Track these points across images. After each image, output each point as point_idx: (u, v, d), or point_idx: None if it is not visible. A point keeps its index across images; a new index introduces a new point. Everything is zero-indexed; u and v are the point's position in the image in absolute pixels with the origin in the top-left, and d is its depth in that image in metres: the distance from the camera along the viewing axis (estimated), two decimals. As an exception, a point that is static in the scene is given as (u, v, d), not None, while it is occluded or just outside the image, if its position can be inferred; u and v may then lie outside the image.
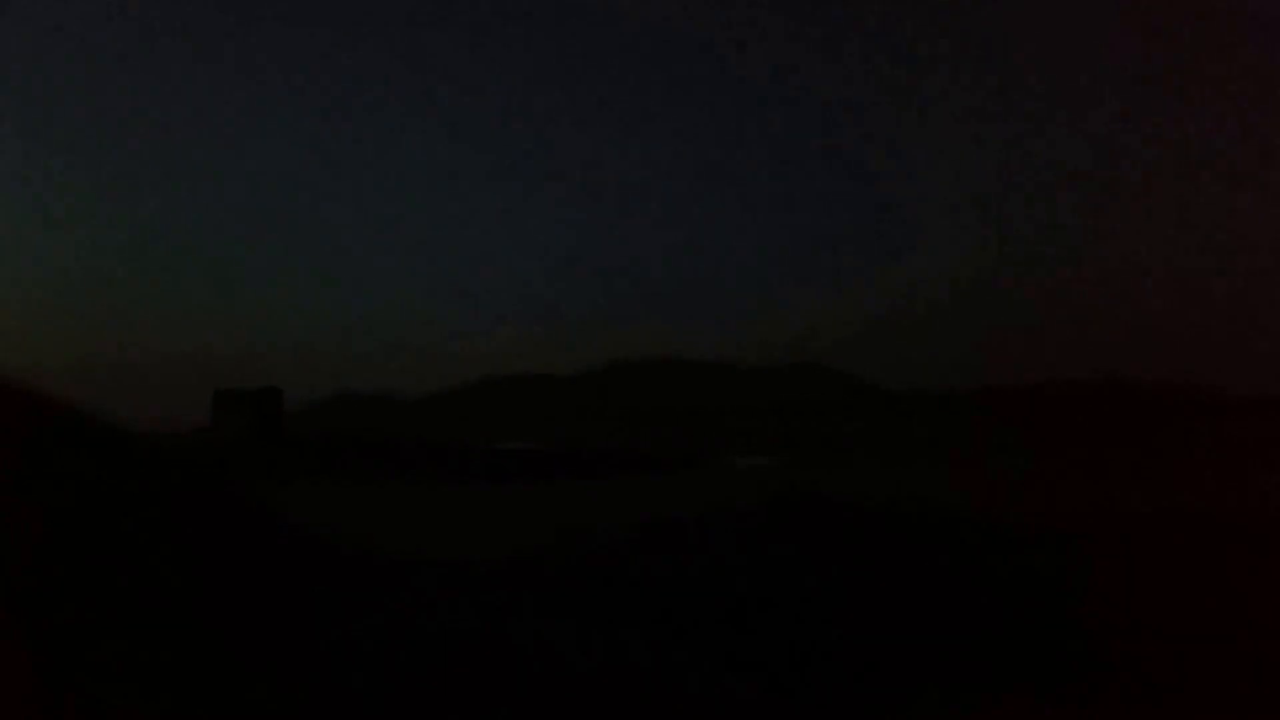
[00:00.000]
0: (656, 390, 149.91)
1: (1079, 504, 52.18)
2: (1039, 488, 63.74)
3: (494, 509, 51.04)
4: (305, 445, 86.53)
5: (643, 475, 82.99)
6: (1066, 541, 39.90)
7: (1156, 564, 34.72)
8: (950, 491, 60.36)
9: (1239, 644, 25.08)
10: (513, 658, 22.39)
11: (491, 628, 24.65)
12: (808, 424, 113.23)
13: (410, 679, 20.35)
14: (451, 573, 31.21)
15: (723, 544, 37.45)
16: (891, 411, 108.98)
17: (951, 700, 21.19)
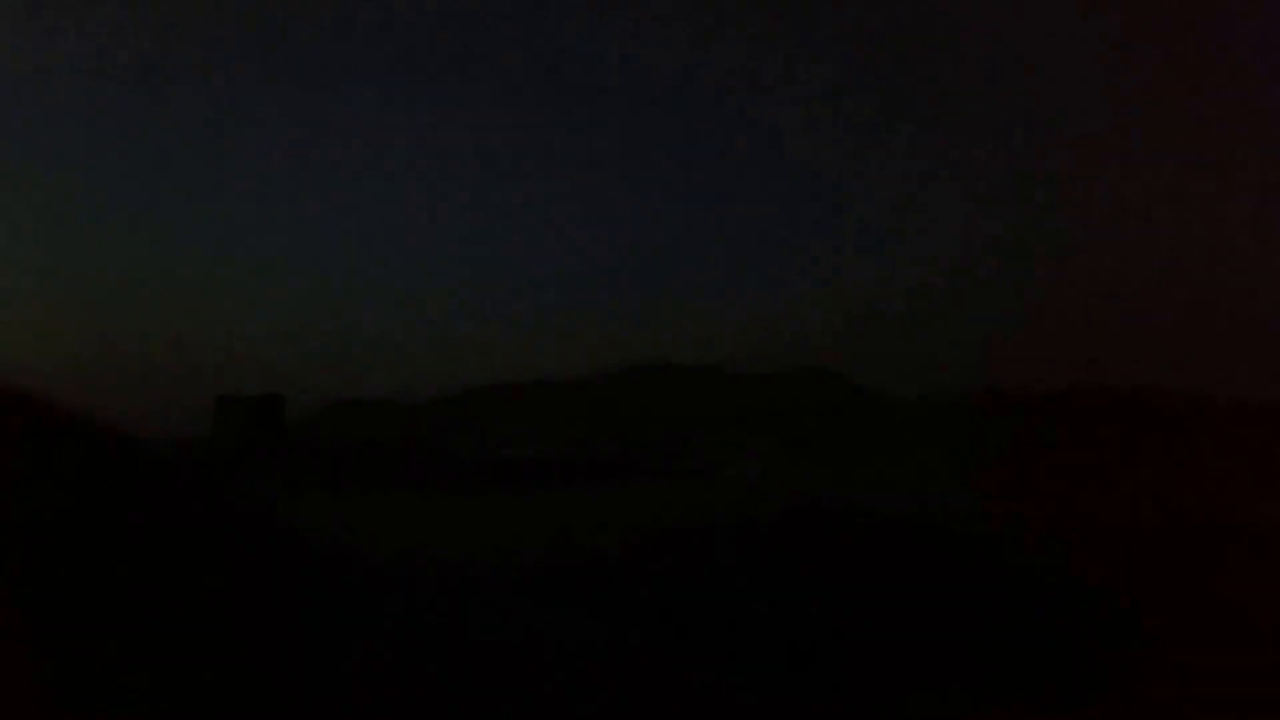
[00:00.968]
0: (661, 396, 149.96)
1: (1082, 510, 51.92)
2: (1044, 494, 63.49)
3: (497, 518, 50.83)
4: (308, 452, 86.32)
5: (648, 484, 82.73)
6: (1070, 548, 39.67)
7: (1160, 569, 34.51)
8: (957, 500, 60.09)
9: (1241, 649, 24.88)
10: (516, 666, 22.20)
11: (495, 636, 24.45)
12: (814, 430, 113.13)
13: (412, 685, 20.20)
14: (454, 582, 31.00)
15: (730, 555, 37.20)
16: (898, 417, 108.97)
17: (956, 706, 21.02)
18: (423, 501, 59.14)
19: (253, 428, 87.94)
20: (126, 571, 20.82)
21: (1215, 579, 34.05)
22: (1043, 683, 23.56)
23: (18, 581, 17.72)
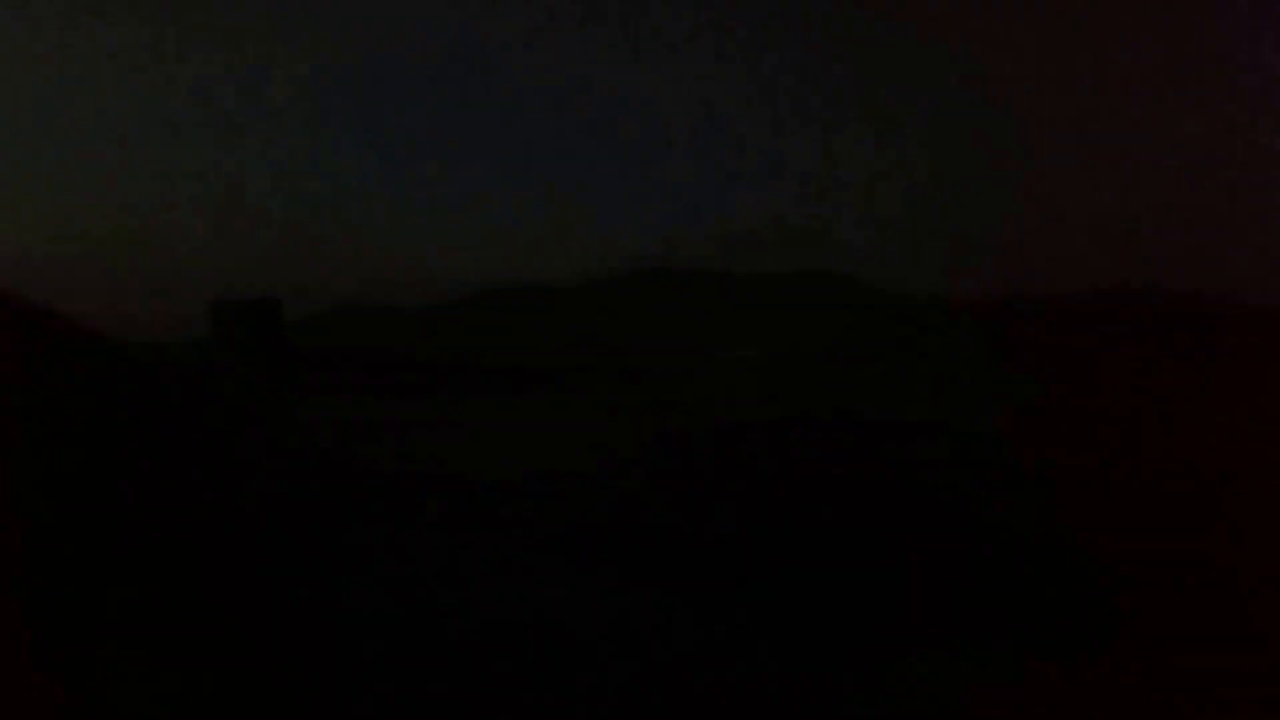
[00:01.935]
0: (662, 299, 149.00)
1: (1098, 433, 51.28)
2: (1056, 413, 62.95)
3: (496, 425, 50.36)
4: (305, 357, 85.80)
5: (649, 388, 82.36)
6: (1077, 467, 39.04)
7: (1170, 502, 33.90)
8: (966, 409, 59.59)
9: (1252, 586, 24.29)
10: (513, 572, 21.75)
11: (493, 546, 24.00)
12: (818, 334, 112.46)
13: (409, 589, 19.80)
14: (451, 490, 30.53)
15: (723, 463, 36.77)
16: (906, 321, 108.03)
17: (951, 640, 20.44)
18: (419, 407, 58.69)
19: (250, 333, 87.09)
20: (118, 479, 20.37)
21: (1223, 507, 33.39)
22: (1045, 615, 22.88)
23: (13, 496, 17.27)
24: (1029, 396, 66.42)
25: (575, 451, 39.08)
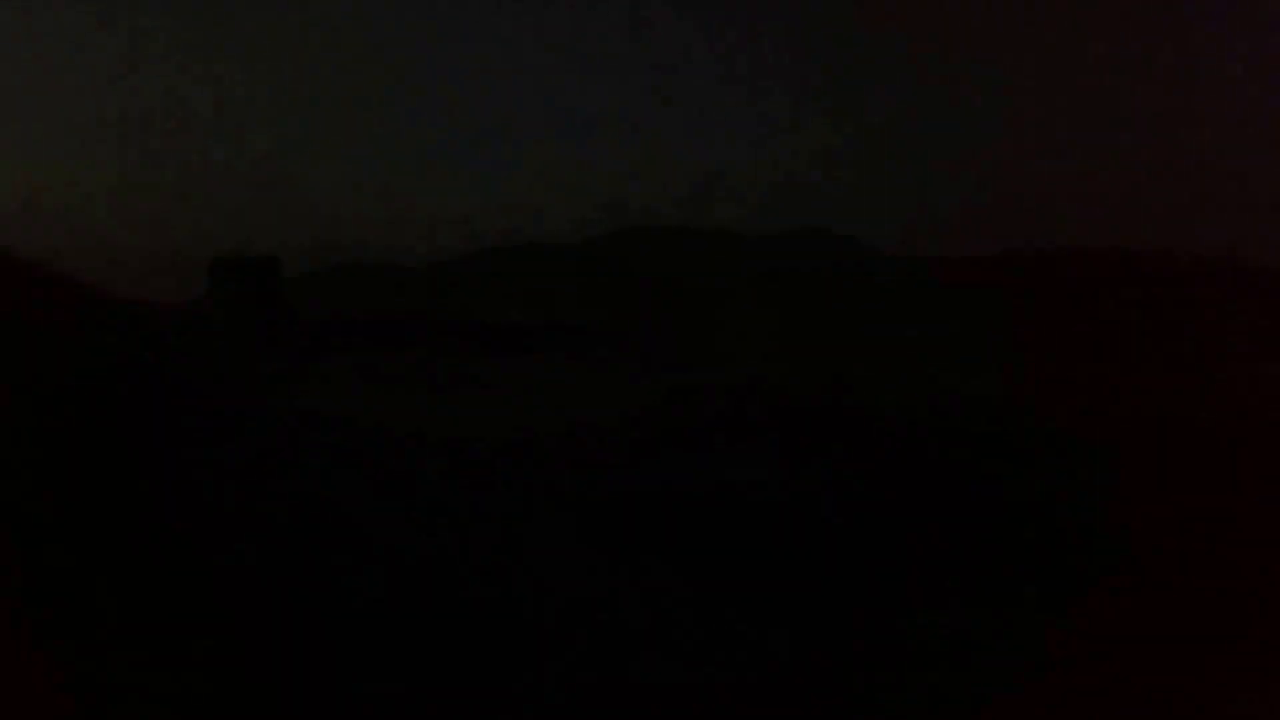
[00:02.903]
0: (662, 258, 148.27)
1: (1102, 398, 50.87)
2: (1060, 366, 62.60)
3: (496, 388, 50.08)
4: (304, 317, 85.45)
5: (645, 351, 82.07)
6: (1088, 440, 38.62)
7: (1173, 459, 33.56)
8: (965, 373, 59.28)
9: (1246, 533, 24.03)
10: (512, 535, 21.51)
11: (493, 506, 23.74)
12: (823, 296, 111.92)
13: (411, 551, 19.58)
14: (454, 452, 30.23)
15: (724, 426, 36.50)
16: (905, 280, 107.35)
17: (951, 597, 20.21)
18: (422, 370, 58.38)
19: (248, 292, 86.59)
20: (114, 440, 20.07)
21: (1221, 462, 33.06)
22: (1059, 577, 22.65)
23: (6, 461, 16.93)
24: (1026, 357, 66.19)
25: (576, 412, 38.82)
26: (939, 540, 24.43)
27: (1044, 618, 19.05)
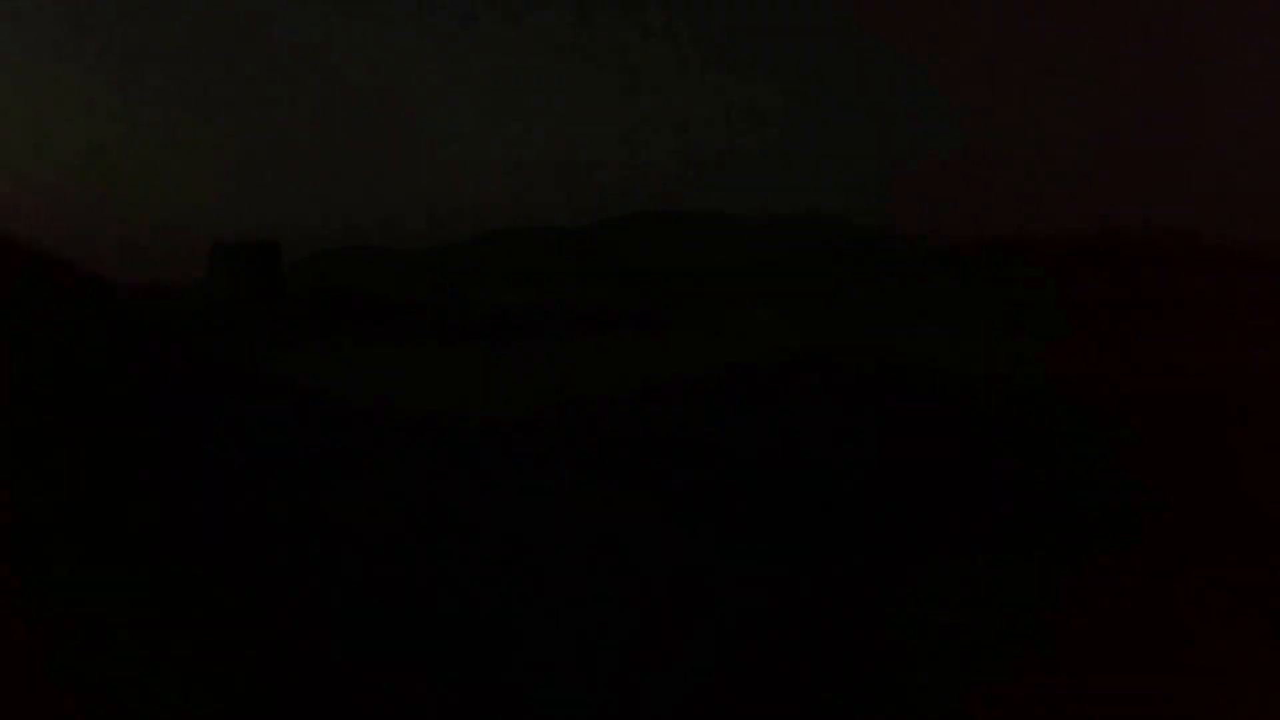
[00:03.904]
0: (662, 242, 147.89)
1: (1089, 363, 51.18)
2: (1050, 345, 62.78)
3: (495, 368, 50.25)
4: (304, 299, 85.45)
5: (649, 332, 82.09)
6: (1078, 400, 39.00)
7: (1164, 421, 33.85)
8: (959, 350, 59.44)
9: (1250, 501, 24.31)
10: (513, 513, 21.76)
11: (491, 487, 24.00)
12: (817, 277, 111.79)
13: (405, 530, 19.81)
14: (452, 433, 30.48)
15: (730, 404, 36.69)
16: (903, 262, 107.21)
17: (959, 558, 20.48)
18: (420, 350, 58.52)
19: (249, 274, 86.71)
20: (111, 426, 20.23)
21: (1221, 428, 33.37)
22: (1052, 537, 22.97)
23: (4, 444, 17.15)
24: (1027, 331, 66.17)
25: (576, 394, 39.00)
26: (963, 495, 24.81)
27: (1060, 570, 19.45)
